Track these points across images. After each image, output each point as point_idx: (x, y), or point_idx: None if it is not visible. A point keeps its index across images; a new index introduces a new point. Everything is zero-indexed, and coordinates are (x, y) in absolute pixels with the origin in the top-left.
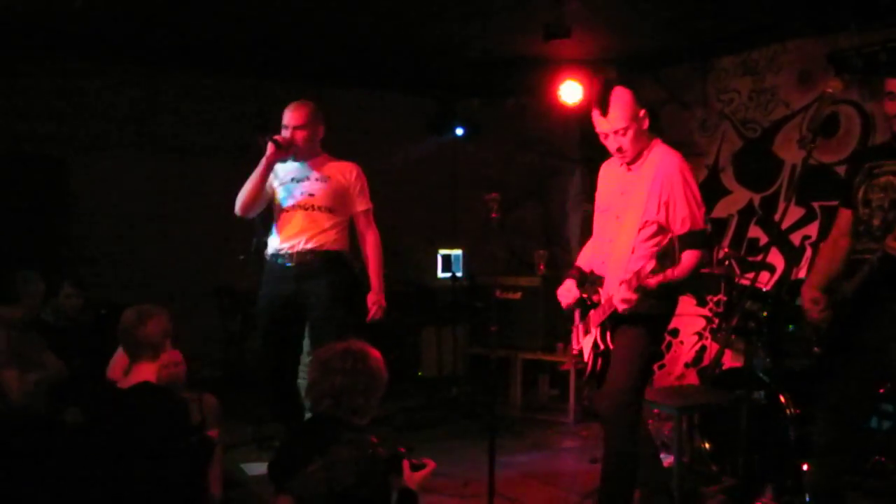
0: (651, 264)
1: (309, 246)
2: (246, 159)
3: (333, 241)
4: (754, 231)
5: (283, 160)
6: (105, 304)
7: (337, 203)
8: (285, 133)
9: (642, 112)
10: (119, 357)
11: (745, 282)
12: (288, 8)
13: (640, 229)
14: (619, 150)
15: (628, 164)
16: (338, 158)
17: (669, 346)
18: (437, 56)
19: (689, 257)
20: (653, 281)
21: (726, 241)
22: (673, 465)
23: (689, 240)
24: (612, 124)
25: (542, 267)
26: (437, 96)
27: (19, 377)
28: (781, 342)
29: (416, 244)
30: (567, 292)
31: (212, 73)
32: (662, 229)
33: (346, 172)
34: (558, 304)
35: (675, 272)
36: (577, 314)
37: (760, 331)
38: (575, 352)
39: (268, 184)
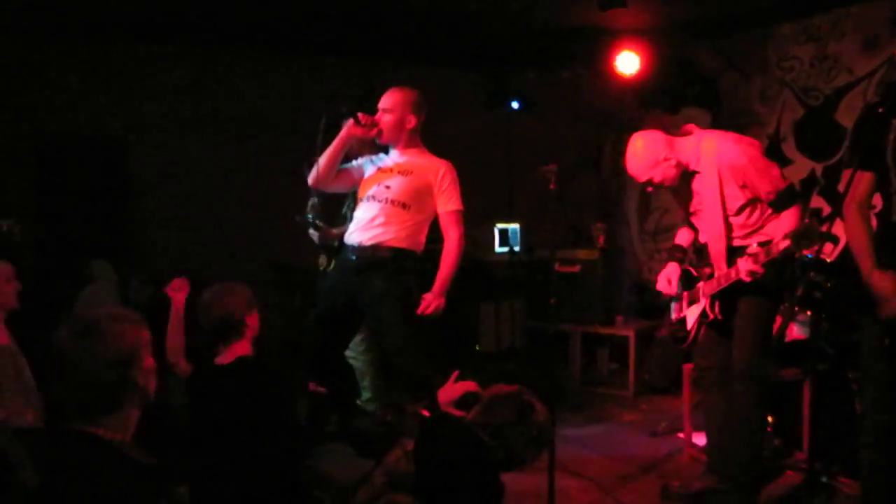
0: (784, 243)
1: (373, 240)
2: (301, 136)
3: (401, 238)
4: (817, 201)
5: (377, 145)
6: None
7: (413, 200)
8: (372, 116)
9: (665, 145)
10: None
11: (809, 252)
12: None
13: (728, 216)
14: (662, 183)
15: (690, 172)
16: (432, 155)
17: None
18: (491, 28)
19: (790, 214)
20: (778, 247)
21: None
22: None
23: (781, 200)
24: (640, 177)
25: (601, 240)
26: (493, 70)
27: None
28: (845, 314)
29: (472, 219)
30: (666, 281)
31: (266, 51)
32: (751, 202)
33: (432, 170)
34: (619, 275)
35: (791, 225)
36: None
37: (825, 302)
38: (675, 320)
39: (358, 166)
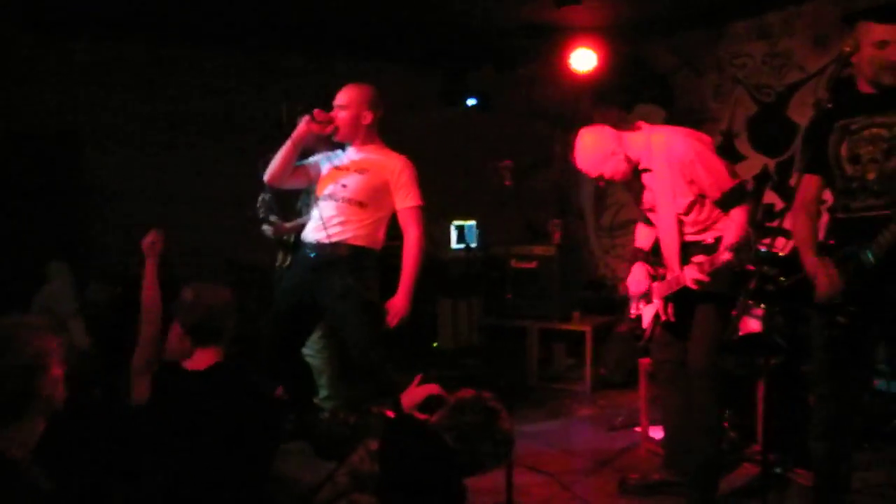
0: (726, 255)
1: (331, 238)
2: (256, 135)
3: (359, 236)
4: (770, 197)
5: (333, 142)
6: (121, 281)
7: (370, 198)
8: (326, 113)
9: (613, 143)
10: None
11: (762, 247)
12: None
13: (680, 214)
14: (613, 178)
15: (641, 169)
16: (390, 150)
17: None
18: (447, 26)
19: (738, 213)
20: (721, 258)
21: None
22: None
23: (727, 199)
24: (591, 173)
25: (557, 236)
26: (449, 67)
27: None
28: (799, 307)
29: (429, 216)
30: (638, 283)
31: (223, 48)
32: (699, 198)
33: (389, 167)
34: (574, 271)
35: (735, 236)
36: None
37: (778, 296)
38: (632, 317)
39: (314, 163)
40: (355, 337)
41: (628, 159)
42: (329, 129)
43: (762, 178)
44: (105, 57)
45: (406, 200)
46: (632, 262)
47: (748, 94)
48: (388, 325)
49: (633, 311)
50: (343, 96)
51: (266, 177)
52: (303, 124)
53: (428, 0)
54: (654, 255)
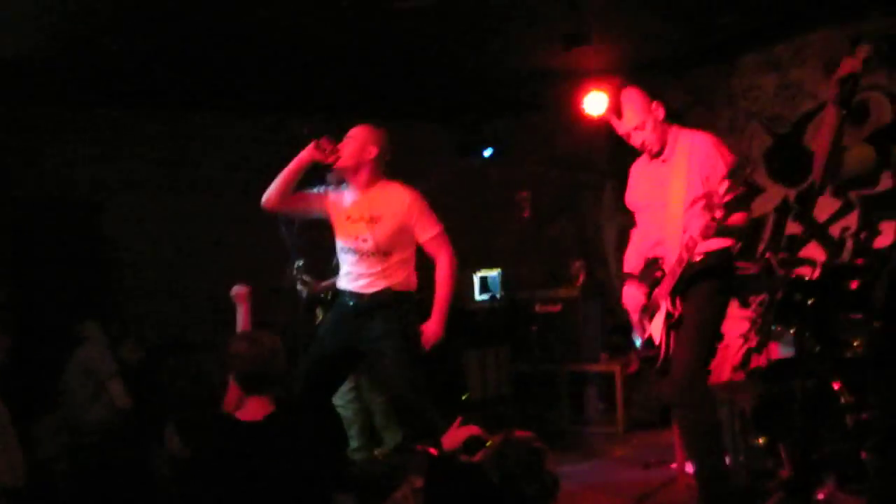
0: (724, 184)
1: (369, 288)
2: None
3: (393, 283)
4: (792, 227)
5: (336, 178)
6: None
7: (393, 244)
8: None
9: (654, 104)
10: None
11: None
12: (309, 44)
13: (687, 208)
14: (643, 145)
15: (656, 157)
16: (395, 185)
17: (714, 350)
18: (459, 80)
19: (736, 218)
20: (721, 188)
21: (764, 241)
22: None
23: (732, 204)
24: (629, 123)
25: (580, 278)
26: (464, 120)
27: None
28: (831, 329)
29: None
30: (633, 298)
31: (239, 110)
32: (703, 198)
33: (401, 206)
34: (600, 312)
35: (732, 220)
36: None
37: (807, 319)
38: (644, 339)
39: (318, 194)
40: (400, 379)
41: (658, 130)
42: (331, 159)
43: (783, 210)
44: (119, 122)
45: (428, 231)
46: (621, 287)
47: (762, 126)
48: (423, 349)
49: (640, 335)
50: (352, 130)
51: (263, 200)
52: (306, 150)
53: (439, 55)
54: (644, 269)
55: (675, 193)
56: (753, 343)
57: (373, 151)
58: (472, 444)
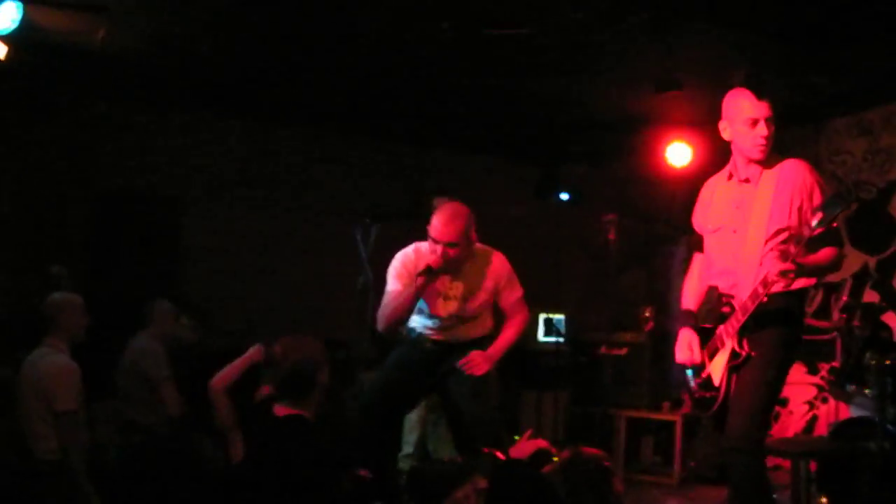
0: (816, 216)
1: (453, 339)
2: (349, 215)
3: (478, 334)
4: (870, 295)
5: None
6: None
7: (484, 309)
8: (436, 246)
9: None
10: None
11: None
12: (399, 73)
13: (768, 239)
14: (765, 139)
15: (743, 180)
16: (482, 247)
17: (777, 416)
18: (542, 119)
19: (826, 253)
20: (811, 226)
21: (840, 306)
22: None
23: (824, 238)
24: (765, 110)
25: (649, 325)
26: (543, 161)
27: (177, 393)
28: None
29: None
30: (686, 348)
31: (322, 129)
32: (790, 230)
33: (491, 276)
34: (666, 360)
35: (818, 258)
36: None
37: (885, 380)
38: (697, 385)
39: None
40: (470, 407)
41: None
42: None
43: (862, 276)
44: (203, 126)
45: (513, 294)
46: (679, 326)
47: (847, 191)
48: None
49: (695, 381)
50: (449, 232)
51: (381, 326)
52: (422, 280)
53: (525, 94)
54: (705, 306)
55: (756, 219)
56: (820, 410)
57: (474, 237)
58: (539, 457)
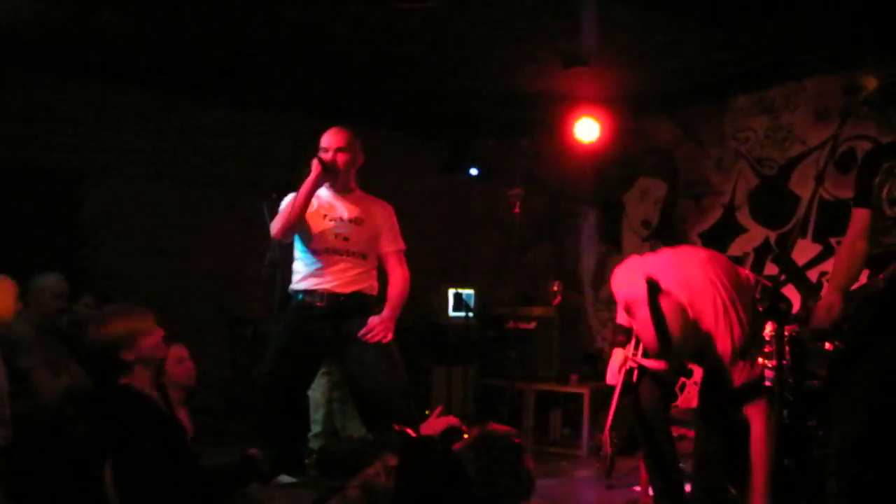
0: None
1: (341, 290)
2: (255, 191)
3: (366, 286)
4: (770, 269)
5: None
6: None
7: (369, 249)
8: (325, 156)
9: None
10: None
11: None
12: (306, 47)
13: None
14: None
15: None
16: (370, 195)
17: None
18: (451, 93)
19: None
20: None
21: None
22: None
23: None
24: None
25: (557, 299)
26: (451, 136)
27: (50, 379)
28: (804, 362)
29: (427, 282)
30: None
31: (228, 104)
32: None
33: (381, 214)
34: (572, 337)
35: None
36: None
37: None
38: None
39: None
40: (380, 378)
41: None
42: (332, 176)
43: (763, 250)
44: (109, 101)
45: (396, 243)
46: (612, 348)
47: (750, 167)
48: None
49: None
50: (340, 138)
51: (276, 231)
52: (314, 171)
53: (432, 68)
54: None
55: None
56: None
57: (360, 160)
58: (450, 434)
